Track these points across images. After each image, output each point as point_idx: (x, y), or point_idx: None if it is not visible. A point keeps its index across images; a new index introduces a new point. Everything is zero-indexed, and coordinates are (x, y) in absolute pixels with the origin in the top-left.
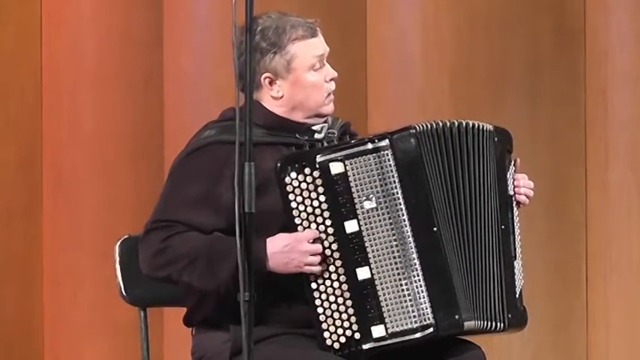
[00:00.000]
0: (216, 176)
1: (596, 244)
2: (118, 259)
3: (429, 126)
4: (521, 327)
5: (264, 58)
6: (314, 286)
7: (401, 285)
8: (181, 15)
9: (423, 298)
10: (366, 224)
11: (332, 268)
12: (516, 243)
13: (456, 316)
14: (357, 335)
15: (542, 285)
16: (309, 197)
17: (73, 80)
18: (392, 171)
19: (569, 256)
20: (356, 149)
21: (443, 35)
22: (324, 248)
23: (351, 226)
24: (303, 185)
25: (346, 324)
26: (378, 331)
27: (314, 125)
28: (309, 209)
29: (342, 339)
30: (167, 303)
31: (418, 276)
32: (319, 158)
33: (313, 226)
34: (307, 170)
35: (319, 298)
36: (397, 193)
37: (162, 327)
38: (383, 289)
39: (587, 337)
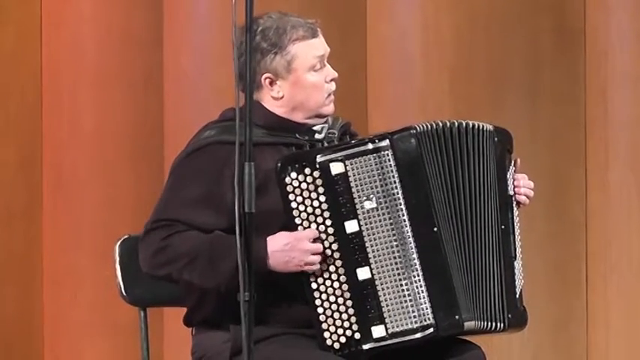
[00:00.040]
0: (217, 176)
1: (596, 244)
2: (118, 259)
3: (429, 126)
4: (522, 327)
5: (264, 58)
6: (314, 286)
7: (401, 285)
8: (181, 15)
9: (423, 298)
10: (366, 224)
11: (332, 268)
12: (516, 243)
13: (456, 317)
14: (358, 335)
15: (542, 285)
16: (310, 197)
17: (73, 80)
18: (392, 171)
19: (569, 256)
20: (356, 149)
21: (443, 35)
22: (325, 248)
23: (351, 226)
24: (304, 185)
25: (346, 324)
26: (378, 331)
27: (314, 125)
28: (310, 209)
29: (343, 339)
30: (167, 303)
31: (418, 276)
32: (319, 158)
33: (313, 226)
34: (307, 170)
35: (319, 298)
36: (397, 194)
37: (163, 327)
38: (383, 289)
39: (587, 337)
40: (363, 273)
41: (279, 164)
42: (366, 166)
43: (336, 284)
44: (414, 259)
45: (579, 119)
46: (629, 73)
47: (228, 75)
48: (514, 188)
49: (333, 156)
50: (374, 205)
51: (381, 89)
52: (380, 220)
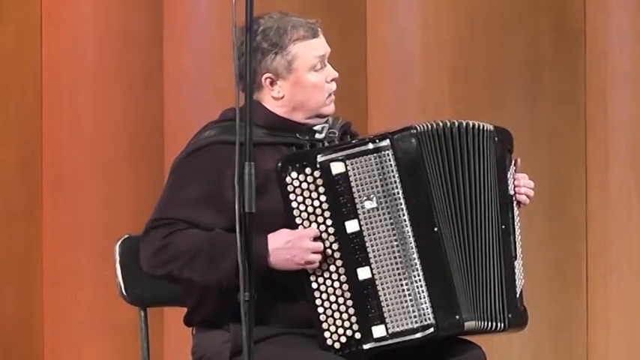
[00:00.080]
0: (217, 176)
1: (596, 244)
2: (118, 258)
3: (429, 126)
4: (522, 327)
5: (265, 58)
6: (314, 285)
7: (401, 285)
8: (181, 15)
9: (424, 298)
10: (366, 224)
11: (333, 268)
12: (517, 243)
13: (457, 317)
14: (358, 335)
15: (542, 285)
16: (310, 197)
17: (73, 80)
18: (393, 171)
19: (569, 256)
20: (357, 149)
21: (443, 35)
22: (325, 248)
23: (351, 226)
24: (304, 185)
25: (347, 324)
26: (378, 331)
27: (315, 125)
28: (310, 209)
29: (343, 339)
30: (167, 303)
31: (419, 276)
32: (320, 158)
33: (314, 225)
34: (308, 170)
35: (320, 297)
36: (398, 193)
37: (163, 327)
38: (383, 289)
39: (587, 337)
40: (363, 273)
41: (279, 164)
42: (367, 166)
43: (336, 284)
44: (415, 258)
45: (579, 119)
46: (629, 73)
47: (228, 75)
48: (514, 188)
49: (333, 156)
50: (374, 204)
51: (381, 89)
52: (380, 220)
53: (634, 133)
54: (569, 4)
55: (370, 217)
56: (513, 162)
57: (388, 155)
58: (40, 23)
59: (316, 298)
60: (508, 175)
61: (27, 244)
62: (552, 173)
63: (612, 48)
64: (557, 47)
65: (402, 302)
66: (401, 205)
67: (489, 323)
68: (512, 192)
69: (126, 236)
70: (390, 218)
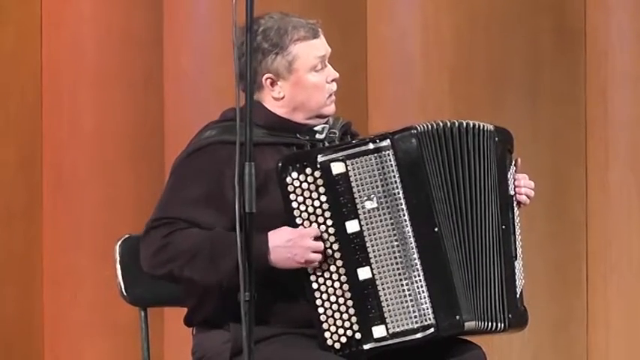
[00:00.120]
0: (218, 176)
1: (597, 244)
2: (118, 258)
3: (429, 126)
4: (522, 327)
5: (265, 58)
6: (315, 286)
7: (402, 285)
8: (181, 15)
9: (424, 298)
10: (367, 224)
11: (333, 268)
12: (517, 243)
13: (457, 317)
14: (358, 335)
15: (542, 285)
16: (310, 197)
17: (73, 80)
18: (393, 171)
19: (569, 256)
20: (357, 149)
21: (443, 35)
22: (326, 248)
23: (352, 226)
24: (305, 185)
25: (347, 324)
26: (378, 331)
27: (315, 126)
28: (310, 209)
29: (343, 339)
30: (167, 303)
31: (419, 276)
32: (320, 158)
33: (314, 226)
34: (308, 170)
35: (320, 298)
36: (398, 193)
37: (163, 327)
38: (384, 289)
39: (587, 337)
40: (363, 273)
41: (280, 164)
42: (367, 166)
43: (336, 284)
44: (415, 259)
45: (579, 119)
46: (629, 73)
47: (228, 75)
48: (515, 188)
49: (334, 156)
50: (375, 205)
51: (381, 89)
52: (381, 220)
53: (634, 133)
54: (569, 4)
55: (370, 217)
56: (513, 162)
57: (389, 155)
58: (40, 23)
59: (316, 298)
60: (508, 175)
61: (27, 244)
62: (552, 173)
63: (612, 48)
64: (557, 47)
65: (402, 302)
66: (401, 205)
67: (489, 323)
68: (512, 192)
69: (126, 236)
70: (391, 218)
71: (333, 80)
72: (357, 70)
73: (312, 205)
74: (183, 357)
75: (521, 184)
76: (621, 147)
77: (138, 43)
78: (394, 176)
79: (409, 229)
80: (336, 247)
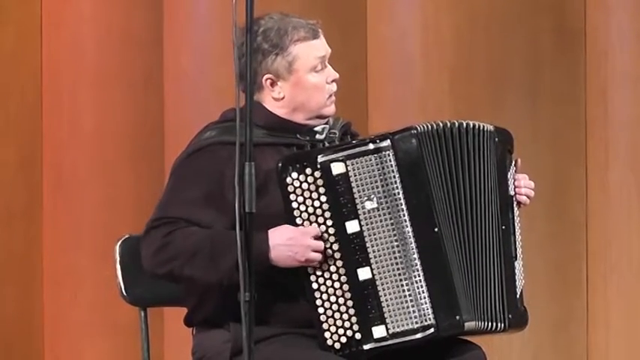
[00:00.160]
0: (218, 177)
1: (597, 244)
2: (118, 258)
3: (430, 126)
4: (522, 327)
5: (265, 59)
6: (315, 286)
7: (402, 285)
8: (181, 15)
9: (424, 298)
10: (367, 224)
11: (333, 268)
12: (517, 243)
13: (457, 317)
14: (358, 335)
15: (542, 285)
16: (310, 197)
17: (73, 80)
18: (393, 171)
19: (569, 256)
20: (357, 149)
21: (443, 35)
22: (326, 248)
23: (352, 227)
24: (305, 185)
25: (347, 324)
26: (379, 331)
27: (315, 126)
28: (310, 209)
29: (343, 339)
30: (167, 303)
31: (419, 276)
32: (320, 158)
33: (314, 226)
34: (308, 170)
35: (320, 298)
36: (398, 194)
37: (163, 327)
38: (384, 289)
39: (587, 337)
40: (363, 273)
41: (280, 164)
42: (367, 167)
43: (336, 284)
44: (415, 259)
45: (579, 119)
46: (629, 73)
47: (228, 75)
48: (515, 188)
49: (334, 156)
50: (375, 205)
51: (381, 90)
52: (381, 221)
53: (634, 133)
54: (569, 4)
55: (370, 218)
56: (514, 162)
57: (389, 155)
58: (40, 23)
59: (317, 298)
60: (508, 176)
61: (27, 244)
62: (552, 173)
63: (612, 48)
64: (557, 47)
65: (402, 302)
66: (401, 205)
67: (489, 323)
68: (512, 192)
69: (126, 236)
70: (391, 218)
71: (333, 81)
72: (357, 70)
73: (312, 206)
74: (183, 357)
75: (521, 185)
76: (621, 147)
77: (138, 43)
78: (394, 176)
79: (409, 229)
80: (336, 247)
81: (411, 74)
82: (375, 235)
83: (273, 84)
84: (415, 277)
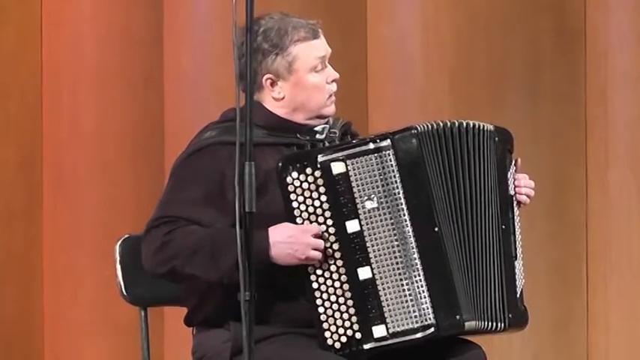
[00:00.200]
0: (218, 177)
1: (597, 244)
2: (118, 258)
3: (430, 126)
4: (522, 327)
5: (265, 59)
6: (315, 285)
7: (402, 285)
8: (181, 14)
9: (424, 298)
10: (367, 224)
11: (333, 268)
12: (517, 243)
13: (457, 317)
14: (358, 335)
15: (542, 285)
16: (311, 197)
17: (73, 80)
18: (393, 171)
19: (569, 256)
20: (357, 149)
21: (443, 35)
22: (326, 248)
23: (352, 226)
24: (305, 185)
25: (347, 324)
26: (379, 330)
27: (315, 126)
28: (311, 209)
29: (343, 339)
30: (167, 302)
31: (419, 276)
32: (321, 158)
33: (315, 225)
34: (309, 170)
35: (320, 297)
36: (399, 193)
37: (163, 326)
38: (384, 288)
39: (588, 337)
40: (364, 273)
41: (280, 164)
42: (368, 166)
43: (337, 284)
44: (415, 258)
45: (580, 119)
46: (629, 73)
47: (228, 74)
48: (515, 188)
49: (334, 156)
50: (375, 204)
51: (381, 90)
52: (381, 220)
53: (634, 133)
54: (569, 4)
55: (371, 217)
56: (514, 162)
57: (389, 155)
58: (40, 23)
59: (317, 297)
60: (508, 175)
61: (27, 244)
62: (553, 173)
63: (612, 48)
64: (557, 47)
65: (402, 302)
66: (401, 205)
67: (490, 323)
68: (512, 192)
69: (126, 236)
70: (391, 218)
71: (333, 81)
72: (357, 70)
73: (313, 205)
74: (183, 357)
75: (522, 184)
76: (621, 147)
77: (138, 42)
78: (394, 176)
79: (409, 228)
80: (336, 246)
81: (411, 74)
82: (375, 234)
83: (273, 84)
84: (415, 276)
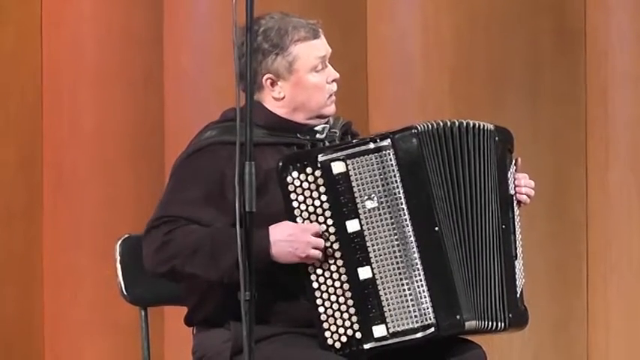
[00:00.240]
0: (219, 177)
1: (597, 244)
2: (118, 258)
3: (430, 126)
4: (522, 327)
5: (266, 59)
6: (315, 285)
7: (402, 285)
8: (181, 14)
9: (425, 297)
10: (367, 224)
11: (333, 268)
12: (517, 242)
13: (457, 316)
14: (359, 335)
15: (542, 285)
16: (311, 197)
17: (73, 80)
18: (393, 170)
19: (569, 255)
20: (358, 149)
21: (443, 35)
22: (326, 247)
23: (352, 226)
24: (305, 185)
25: (347, 323)
26: (379, 330)
27: (315, 126)
28: (311, 208)
29: (344, 338)
30: (168, 302)
31: (419, 276)
32: (321, 157)
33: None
34: (309, 170)
35: (320, 297)
36: (399, 193)
37: (163, 326)
38: (384, 288)
39: (588, 337)
40: (364, 272)
41: (280, 163)
42: (368, 166)
43: (337, 283)
44: (415, 258)
45: (580, 119)
46: (629, 73)
47: (228, 74)
48: (515, 188)
49: (334, 155)
50: (375, 204)
51: (381, 89)
52: (381, 220)
53: (634, 133)
54: (569, 4)
55: (371, 217)
56: (514, 162)
57: (389, 155)
58: (40, 23)
59: (317, 297)
60: (508, 175)
61: (27, 244)
62: (553, 173)
63: (612, 48)
64: (557, 47)
65: (402, 302)
66: (402, 204)
67: (490, 323)
68: (512, 192)
69: (126, 236)
70: (391, 218)
71: (333, 80)
72: (357, 70)
73: (313, 205)
74: (183, 356)
75: (522, 184)
76: (621, 147)
77: (138, 42)
78: (394, 176)
79: (409, 228)
80: (336, 246)
81: (411, 74)
82: (375, 234)
83: (273, 84)
84: (415, 276)
